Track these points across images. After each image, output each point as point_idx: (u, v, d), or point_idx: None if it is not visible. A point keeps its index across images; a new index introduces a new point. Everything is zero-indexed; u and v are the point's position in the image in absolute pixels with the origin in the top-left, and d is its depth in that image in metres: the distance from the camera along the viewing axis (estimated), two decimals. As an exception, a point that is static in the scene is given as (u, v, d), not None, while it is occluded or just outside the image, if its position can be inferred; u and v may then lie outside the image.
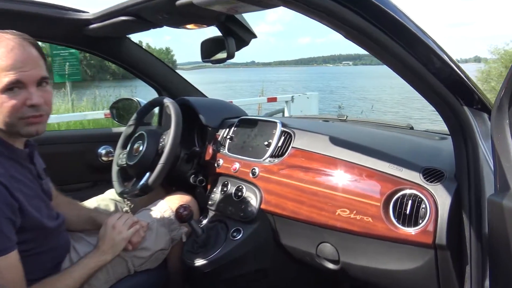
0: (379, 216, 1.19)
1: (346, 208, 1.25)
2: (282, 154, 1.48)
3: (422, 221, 1.13)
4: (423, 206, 1.14)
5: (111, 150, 2.03)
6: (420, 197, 1.15)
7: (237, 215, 1.52)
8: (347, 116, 1.92)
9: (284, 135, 1.52)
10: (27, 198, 1.16)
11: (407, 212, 1.15)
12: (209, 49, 1.52)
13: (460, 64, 1.06)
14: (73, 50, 8.16)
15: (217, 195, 1.64)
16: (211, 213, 1.66)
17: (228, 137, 1.68)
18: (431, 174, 1.16)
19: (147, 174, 1.59)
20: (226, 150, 1.68)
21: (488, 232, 1.00)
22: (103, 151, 2.05)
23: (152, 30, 1.60)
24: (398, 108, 16.85)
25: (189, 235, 1.58)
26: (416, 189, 1.16)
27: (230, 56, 1.30)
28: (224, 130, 1.75)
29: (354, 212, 1.23)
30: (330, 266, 1.38)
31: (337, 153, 1.34)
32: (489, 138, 1.08)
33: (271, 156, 1.51)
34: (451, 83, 1.02)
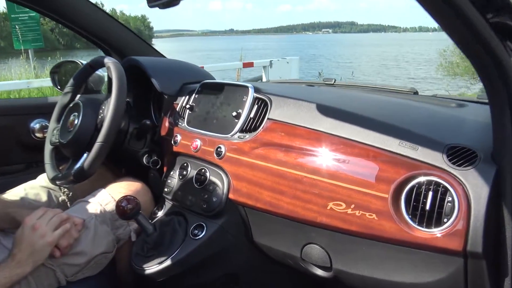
0: (387, 212, 0.87)
1: (341, 200, 0.93)
2: (256, 128, 1.14)
3: (448, 220, 0.82)
4: (449, 198, 0.82)
5: (47, 124, 1.65)
6: (444, 186, 0.83)
7: (199, 207, 1.18)
8: (335, 80, 1.58)
9: (257, 103, 1.17)
10: None
11: (427, 207, 0.84)
12: (157, -11, 1.14)
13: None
14: (33, 13, 7.50)
15: (174, 180, 1.30)
16: (167, 204, 1.32)
17: (188, 106, 1.33)
18: (459, 155, 0.85)
19: (85, 155, 1.24)
20: (185, 123, 1.33)
21: None
22: (37, 126, 1.66)
23: None
24: (376, 76, 16.69)
25: (139, 233, 1.25)
26: (438, 175, 0.84)
27: None
28: (183, 98, 1.39)
29: (353, 206, 0.91)
30: (319, 272, 1.07)
31: (329, 127, 1.01)
32: None
33: (241, 130, 1.16)
34: (499, 24, 0.68)
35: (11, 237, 1.11)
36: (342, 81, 1.62)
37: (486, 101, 1.22)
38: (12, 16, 7.69)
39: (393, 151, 0.90)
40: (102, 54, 1.71)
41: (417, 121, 1.01)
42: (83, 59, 1.78)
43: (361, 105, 1.11)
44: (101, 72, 1.83)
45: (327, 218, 0.95)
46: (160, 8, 1.02)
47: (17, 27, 7.54)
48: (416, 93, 1.35)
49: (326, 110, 1.04)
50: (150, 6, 1.06)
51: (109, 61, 1.30)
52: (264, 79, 6.27)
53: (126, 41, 1.69)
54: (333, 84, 1.56)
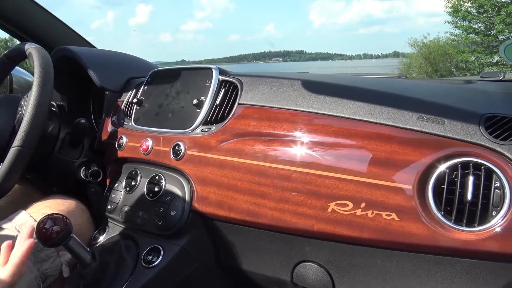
0: (412, 209, 0.64)
1: (347, 198, 0.69)
2: (224, 118, 0.89)
3: (497, 213, 0.60)
4: (497, 184, 0.61)
5: None
6: (487, 168, 0.62)
7: (153, 225, 0.90)
8: (308, 72, 1.36)
9: (225, 87, 0.93)
10: None
11: (467, 197, 0.62)
12: None
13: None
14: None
15: (119, 194, 1.01)
16: (112, 225, 1.02)
17: (135, 101, 1.06)
18: (501, 126, 0.64)
19: None
20: (132, 122, 1.06)
21: None
22: None
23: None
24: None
25: (73, 266, 0.95)
26: (477, 153, 0.63)
27: None
28: (129, 93, 1.12)
29: (363, 204, 0.68)
30: None
31: (322, 106, 0.78)
32: None
33: (205, 122, 0.91)
34: None
35: None
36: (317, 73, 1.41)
37: (494, 79, 1.05)
38: None
39: (412, 128, 0.68)
40: None
41: (433, 93, 0.80)
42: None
43: (357, 82, 0.89)
44: (31, 77, 1.53)
45: (327, 225, 0.71)
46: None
47: None
48: (406, 77, 1.16)
49: (315, 87, 0.81)
50: None
51: (30, 46, 1.01)
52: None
53: (55, 32, 1.39)
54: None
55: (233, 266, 0.90)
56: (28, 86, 1.52)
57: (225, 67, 1.00)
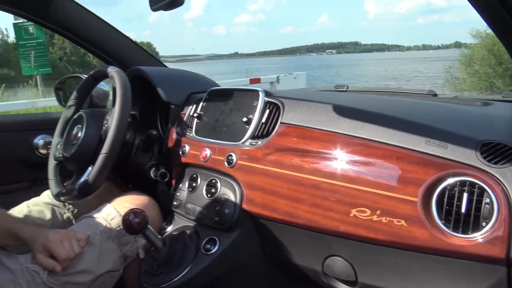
0: (417, 218, 0.79)
1: (366, 206, 0.85)
2: (268, 134, 1.07)
3: (487, 224, 0.74)
4: (487, 200, 0.75)
5: (51, 139, 1.59)
6: (480, 187, 0.76)
7: (211, 220, 1.11)
8: (347, 87, 1.51)
9: (269, 108, 1.11)
10: None
11: (462, 210, 0.76)
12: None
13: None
14: (40, 40, 7.60)
15: (183, 193, 1.23)
16: (177, 218, 1.25)
17: (195, 115, 1.27)
18: (495, 151, 0.77)
19: (89, 168, 1.19)
20: (193, 133, 1.27)
21: None
22: (41, 142, 1.60)
23: (131, 25, 1.16)
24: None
25: (148, 250, 1.18)
26: (472, 174, 0.77)
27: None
28: (190, 107, 1.33)
29: (378, 212, 0.83)
30: None
31: (347, 128, 0.94)
32: None
33: (253, 137, 1.10)
34: None
35: (13, 257, 1.05)
36: (355, 86, 1.56)
37: (513, 99, 1.15)
38: (20, 43, 7.77)
39: (420, 150, 0.83)
40: None
41: (443, 119, 0.94)
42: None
43: (380, 106, 1.05)
44: (106, 87, 1.79)
45: (350, 227, 0.87)
46: (163, 10, 0.97)
47: (25, 53, 7.60)
48: (435, 95, 1.28)
49: (343, 111, 0.97)
50: (153, 10, 1.02)
51: (112, 70, 1.25)
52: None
53: (129, 52, 1.64)
54: (345, 90, 1.49)
55: (275, 256, 1.08)
56: (104, 95, 1.77)
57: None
